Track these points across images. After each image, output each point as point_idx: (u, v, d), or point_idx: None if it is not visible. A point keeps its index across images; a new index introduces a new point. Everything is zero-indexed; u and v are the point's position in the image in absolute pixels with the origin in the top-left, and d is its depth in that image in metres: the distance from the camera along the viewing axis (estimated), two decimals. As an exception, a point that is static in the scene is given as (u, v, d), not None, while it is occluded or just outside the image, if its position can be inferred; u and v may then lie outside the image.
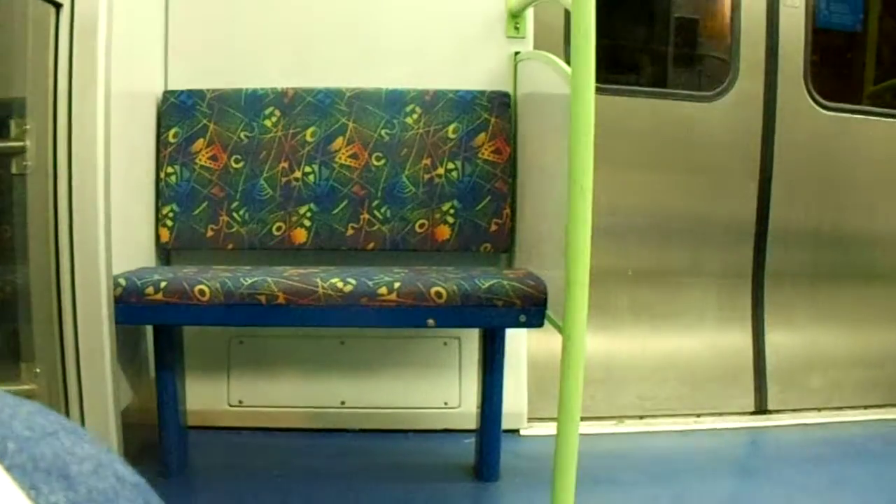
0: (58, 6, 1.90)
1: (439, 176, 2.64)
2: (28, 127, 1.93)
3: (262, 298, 2.14)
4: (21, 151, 1.93)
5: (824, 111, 3.21)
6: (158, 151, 2.63)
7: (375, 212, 2.63)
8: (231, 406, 2.78)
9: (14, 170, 1.94)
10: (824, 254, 3.23)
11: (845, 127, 3.25)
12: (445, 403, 2.79)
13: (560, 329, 1.87)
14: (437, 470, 2.50)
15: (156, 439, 2.40)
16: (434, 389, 2.80)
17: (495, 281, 2.17)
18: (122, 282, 2.14)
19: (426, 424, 2.78)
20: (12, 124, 1.94)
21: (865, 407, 3.09)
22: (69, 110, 1.95)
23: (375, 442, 2.71)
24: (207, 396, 2.75)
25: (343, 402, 2.79)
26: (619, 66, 3.59)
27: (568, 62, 1.86)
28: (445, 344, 2.78)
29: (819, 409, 3.07)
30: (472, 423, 2.67)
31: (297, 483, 2.40)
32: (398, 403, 2.79)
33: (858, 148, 3.26)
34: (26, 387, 2.00)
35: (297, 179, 2.63)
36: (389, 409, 2.79)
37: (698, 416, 3.00)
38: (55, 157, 1.94)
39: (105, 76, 1.99)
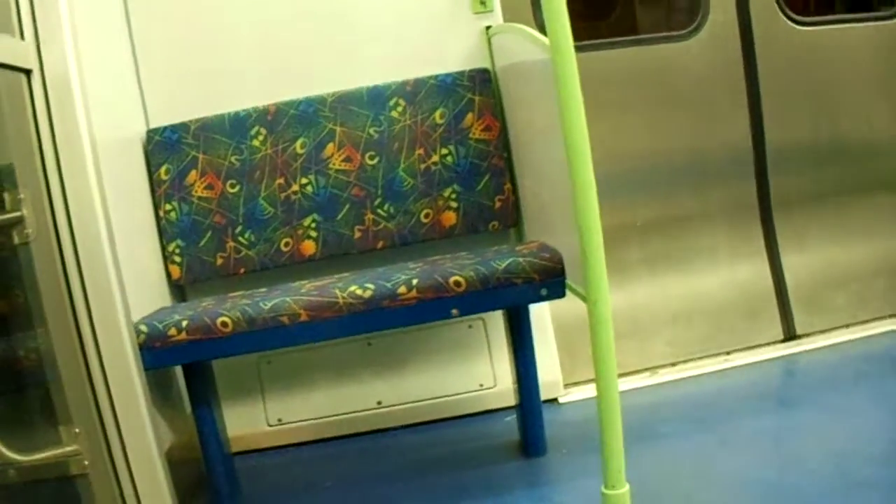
0: (27, 72, 1.89)
1: (435, 163, 2.63)
2: (22, 196, 1.92)
3: (285, 319, 2.14)
4: (19, 221, 1.91)
5: (800, 27, 3.18)
6: (153, 191, 2.62)
7: (379, 210, 2.63)
8: (271, 426, 2.80)
9: (16, 240, 1.93)
10: (826, 170, 3.21)
11: (824, 39, 3.22)
12: (481, 385, 2.80)
13: (583, 297, 1.86)
14: (484, 453, 2.51)
15: (203, 472, 2.42)
16: (467, 373, 2.81)
17: (511, 259, 2.17)
18: (144, 328, 2.14)
19: (465, 409, 2.80)
20: (6, 196, 1.93)
21: (892, 315, 3.09)
22: (59, 171, 1.95)
23: (418, 435, 2.73)
24: (246, 421, 2.77)
25: (380, 402, 2.80)
26: (585, 18, 3.55)
27: (539, 28, 1.84)
28: (470, 327, 2.79)
29: (848, 326, 3.07)
30: (509, 401, 2.69)
31: (351, 490, 2.42)
32: (434, 393, 2.80)
33: (840, 58, 3.23)
34: (70, 448, 2.01)
35: (295, 193, 2.62)
36: (426, 401, 2.80)
37: (729, 353, 3.01)
38: (55, 220, 1.93)
39: (87, 130, 1.98)
